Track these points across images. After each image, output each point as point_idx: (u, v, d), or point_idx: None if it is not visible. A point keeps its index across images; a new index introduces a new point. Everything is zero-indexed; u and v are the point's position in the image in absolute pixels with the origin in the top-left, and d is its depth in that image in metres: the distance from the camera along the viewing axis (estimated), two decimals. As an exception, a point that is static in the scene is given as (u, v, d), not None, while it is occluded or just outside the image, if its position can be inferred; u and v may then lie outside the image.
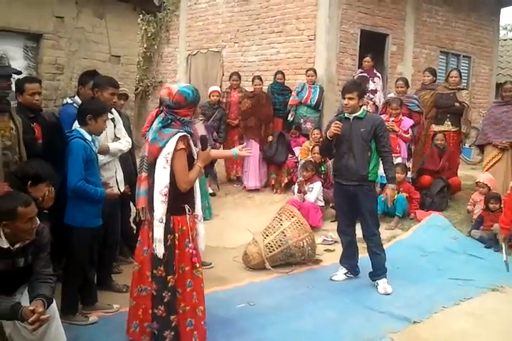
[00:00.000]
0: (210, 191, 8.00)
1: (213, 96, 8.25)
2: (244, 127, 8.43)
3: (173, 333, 3.42)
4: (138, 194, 3.53)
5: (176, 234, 3.40)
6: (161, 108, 3.55)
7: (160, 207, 3.33)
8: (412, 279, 5.14)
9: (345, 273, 5.15)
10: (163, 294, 3.41)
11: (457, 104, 7.84)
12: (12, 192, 3.24)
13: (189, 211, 3.46)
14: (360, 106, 4.89)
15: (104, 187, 4.15)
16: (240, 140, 8.57)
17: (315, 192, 6.81)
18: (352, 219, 5.12)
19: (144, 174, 3.49)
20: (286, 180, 8.08)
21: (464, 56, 11.66)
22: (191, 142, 3.48)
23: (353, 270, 5.16)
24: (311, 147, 7.63)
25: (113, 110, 4.75)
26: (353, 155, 4.80)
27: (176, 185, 3.35)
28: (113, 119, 4.71)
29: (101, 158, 4.35)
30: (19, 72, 4.16)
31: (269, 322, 4.12)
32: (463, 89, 8.16)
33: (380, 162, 4.95)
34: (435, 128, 7.97)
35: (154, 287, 3.42)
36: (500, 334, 4.03)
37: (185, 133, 3.38)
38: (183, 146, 3.34)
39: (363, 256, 5.21)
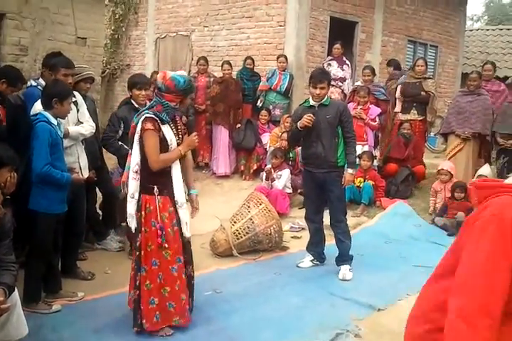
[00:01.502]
0: None
1: None
2: (213, 113, 8.35)
3: (134, 307, 3.62)
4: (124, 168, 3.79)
5: (143, 213, 3.53)
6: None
7: (131, 184, 3.55)
8: (377, 266, 5.22)
9: (311, 260, 5.20)
10: (135, 266, 3.64)
11: (423, 93, 7.92)
12: None
13: (157, 192, 3.53)
14: None
15: (71, 172, 4.07)
16: (208, 125, 8.51)
17: (283, 179, 6.83)
18: (320, 207, 5.15)
19: (130, 151, 3.69)
20: (255, 167, 8.07)
21: (431, 45, 11.76)
22: (166, 127, 3.55)
23: (319, 257, 5.21)
24: (280, 134, 7.62)
25: (76, 93, 4.64)
26: (322, 143, 4.83)
27: (147, 165, 3.50)
28: (76, 103, 4.60)
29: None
30: None
31: (236, 309, 4.14)
32: (429, 78, 8.24)
33: None
34: (401, 117, 8.04)
35: (133, 266, 3.68)
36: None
37: (153, 116, 3.49)
38: (151, 127, 3.46)
39: (331, 243, 5.27)
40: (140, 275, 3.56)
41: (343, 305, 4.32)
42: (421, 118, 7.95)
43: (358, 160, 7.08)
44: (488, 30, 14.83)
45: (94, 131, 4.73)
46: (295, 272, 5.05)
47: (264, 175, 6.98)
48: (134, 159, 3.54)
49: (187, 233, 3.68)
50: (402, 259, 5.50)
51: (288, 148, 7.27)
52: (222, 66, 8.57)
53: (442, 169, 6.84)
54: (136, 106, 4.89)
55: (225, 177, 8.31)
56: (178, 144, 3.63)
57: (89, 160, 4.66)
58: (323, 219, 5.22)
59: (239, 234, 5.37)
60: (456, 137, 7.22)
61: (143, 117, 3.50)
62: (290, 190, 6.97)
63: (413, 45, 11.39)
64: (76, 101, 4.62)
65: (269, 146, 7.87)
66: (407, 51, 11.18)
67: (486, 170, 6.69)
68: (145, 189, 3.56)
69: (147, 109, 3.60)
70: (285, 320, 4.01)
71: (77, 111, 4.63)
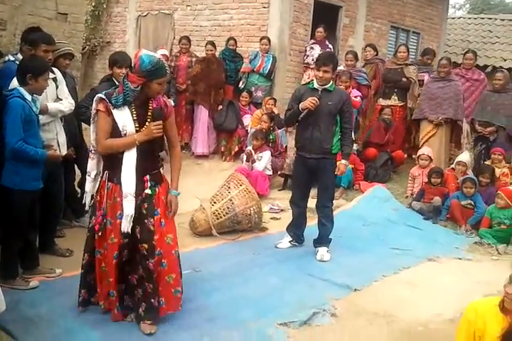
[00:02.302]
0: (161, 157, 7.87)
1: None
2: (194, 93, 8.28)
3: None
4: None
5: (97, 197, 3.44)
6: None
7: (89, 162, 3.49)
8: (354, 248, 5.30)
9: (290, 241, 5.23)
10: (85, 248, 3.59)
11: (404, 79, 7.98)
12: None
13: (106, 178, 3.39)
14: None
15: (47, 149, 4.00)
16: (188, 105, 8.44)
17: (264, 161, 6.84)
18: (307, 192, 5.18)
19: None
20: (236, 149, 8.04)
21: (413, 32, 11.79)
22: (119, 111, 3.30)
23: (298, 238, 5.25)
24: (261, 115, 7.61)
25: (55, 70, 4.57)
26: (319, 128, 4.80)
27: None
28: (55, 79, 4.52)
29: (39, 117, 4.19)
30: None
31: (215, 289, 4.15)
32: (410, 64, 8.29)
33: None
34: (382, 102, 8.10)
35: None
36: (435, 302, 4.22)
37: (103, 97, 3.29)
38: (101, 109, 3.30)
39: (311, 224, 5.32)
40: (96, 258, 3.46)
41: (321, 286, 4.38)
42: (401, 104, 8.04)
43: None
44: (469, 18, 14.91)
45: (73, 108, 4.66)
46: (274, 252, 5.09)
47: (244, 156, 6.98)
48: (91, 137, 3.44)
49: (125, 227, 3.30)
50: (379, 242, 5.58)
51: (269, 130, 7.27)
52: (205, 46, 8.51)
53: (423, 154, 6.91)
54: (117, 83, 4.82)
55: (206, 157, 8.28)
56: (137, 131, 3.34)
57: (68, 137, 4.60)
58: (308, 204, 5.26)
59: (218, 214, 5.38)
60: (428, 123, 7.29)
61: (97, 97, 3.34)
62: (270, 172, 6.99)
63: (396, 31, 11.41)
64: (55, 77, 4.54)
65: (250, 128, 7.86)
66: (389, 37, 11.20)
67: (464, 156, 6.79)
68: (101, 173, 3.47)
69: (115, 88, 3.39)
70: (264, 299, 4.04)
71: (57, 87, 4.55)
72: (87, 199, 3.52)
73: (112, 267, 3.38)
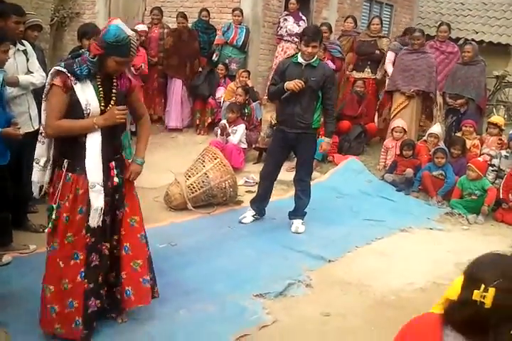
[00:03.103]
0: (133, 129, 7.77)
1: (141, 36, 7.85)
2: (167, 65, 8.15)
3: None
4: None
5: (51, 188, 2.98)
6: None
7: (37, 147, 2.95)
8: (328, 220, 5.36)
9: (253, 216, 5.25)
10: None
11: (377, 52, 7.97)
12: None
13: (64, 167, 2.91)
14: None
15: (12, 126, 3.78)
16: (160, 78, 8.30)
17: (238, 134, 6.81)
18: (279, 166, 5.18)
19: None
20: (209, 120, 7.98)
21: (386, 4, 11.75)
22: (83, 86, 2.85)
23: (260, 212, 5.27)
24: (235, 88, 7.54)
25: (25, 42, 4.44)
26: (300, 103, 4.77)
27: None
28: (25, 51, 4.41)
29: (10, 90, 4.09)
30: None
31: (190, 262, 4.18)
32: (384, 37, 8.29)
33: None
34: (355, 75, 8.09)
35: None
36: (407, 271, 4.32)
37: (63, 70, 2.79)
38: (58, 83, 2.79)
39: (283, 197, 5.35)
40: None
41: (295, 257, 4.44)
42: (374, 76, 8.03)
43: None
44: (442, -10, 14.88)
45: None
46: (249, 225, 5.12)
47: (218, 130, 6.94)
48: (41, 118, 2.95)
49: (93, 221, 2.89)
50: (352, 213, 5.66)
51: (244, 103, 7.22)
52: (176, 18, 8.33)
53: (397, 126, 6.95)
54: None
55: (180, 131, 8.21)
56: (103, 112, 2.91)
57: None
58: (277, 177, 5.27)
59: (193, 187, 5.37)
60: (401, 95, 7.28)
61: (53, 69, 2.83)
62: (245, 145, 6.97)
63: (369, 3, 11.35)
64: (25, 49, 4.42)
65: (224, 101, 7.79)
66: (363, 9, 11.14)
67: (436, 128, 6.87)
68: (56, 161, 2.97)
69: (71, 57, 2.96)
70: (240, 271, 4.09)
71: (27, 60, 4.44)
72: (35, 191, 3.01)
73: (73, 269, 2.92)
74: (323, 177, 6.64)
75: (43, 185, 3.00)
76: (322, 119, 5.02)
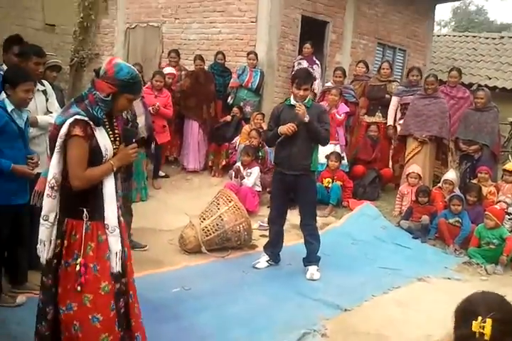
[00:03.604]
0: (162, 174, 7.84)
1: (169, 79, 7.98)
2: (185, 107, 8.23)
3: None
4: (40, 174, 2.96)
5: (65, 241, 2.77)
6: None
7: (46, 202, 2.72)
8: (343, 267, 5.28)
9: (267, 261, 5.19)
10: (48, 309, 2.84)
11: (388, 96, 8.03)
12: None
13: (87, 216, 2.76)
14: None
15: (29, 162, 3.84)
16: (177, 119, 8.38)
17: (253, 177, 6.81)
18: (284, 209, 5.15)
19: (48, 152, 2.88)
20: (224, 163, 8.01)
21: (399, 49, 11.92)
22: (101, 131, 2.77)
23: (275, 258, 5.21)
24: (250, 131, 7.59)
25: (45, 82, 4.51)
26: (297, 145, 4.79)
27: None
28: (44, 92, 4.47)
29: (29, 130, 4.12)
30: None
31: (204, 307, 4.11)
32: (394, 81, 8.38)
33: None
34: (367, 119, 8.14)
35: (42, 297, 2.89)
36: (425, 321, 4.21)
37: (85, 119, 2.68)
38: (80, 133, 2.65)
39: (298, 242, 5.29)
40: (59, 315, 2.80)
41: (311, 305, 4.35)
42: (386, 120, 8.06)
43: (326, 160, 7.17)
44: (455, 36, 15.15)
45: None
46: (263, 271, 5.05)
47: (232, 173, 6.95)
48: (52, 170, 2.70)
49: (116, 266, 2.79)
50: (368, 260, 5.57)
51: (258, 146, 7.26)
52: (194, 61, 8.49)
53: (413, 172, 6.92)
54: None
55: (195, 172, 8.23)
56: (115, 154, 2.83)
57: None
58: (287, 221, 5.26)
59: (208, 230, 5.33)
60: (414, 140, 7.30)
61: (72, 119, 2.67)
62: (259, 188, 6.96)
63: (382, 48, 11.52)
64: (45, 90, 4.49)
65: (239, 143, 7.84)
66: (376, 54, 11.29)
67: (451, 175, 6.83)
68: (71, 212, 2.76)
69: (76, 101, 2.77)
70: (253, 318, 4.01)
71: (46, 100, 4.49)
72: (44, 252, 2.79)
73: (110, 322, 2.79)
74: (338, 223, 6.59)
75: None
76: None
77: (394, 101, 7.86)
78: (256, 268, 5.10)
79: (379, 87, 8.09)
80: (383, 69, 8.19)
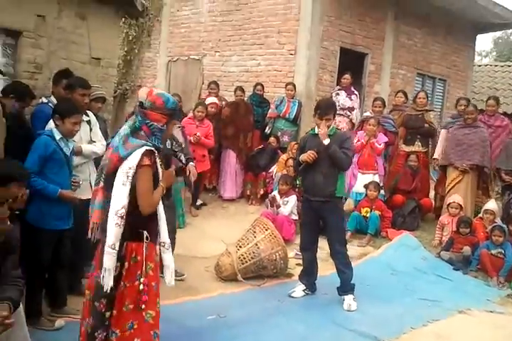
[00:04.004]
0: (200, 202, 7.93)
1: (212, 108, 8.16)
2: (223, 136, 8.36)
3: None
4: (92, 207, 3.06)
5: (126, 264, 2.91)
6: (134, 109, 3.13)
7: (114, 231, 2.82)
8: (382, 297, 5.16)
9: (303, 290, 5.12)
10: (97, 333, 2.91)
11: (426, 125, 7.97)
12: None
13: (147, 238, 2.94)
14: None
15: (72, 186, 4.03)
16: (217, 148, 8.49)
17: (290, 205, 6.79)
18: (315, 236, 5.10)
19: (100, 185, 3.02)
20: (261, 192, 8.06)
21: (439, 79, 11.88)
22: (157, 159, 2.99)
23: (311, 287, 5.14)
24: (287, 160, 7.63)
25: (90, 113, 4.68)
26: (321, 172, 4.81)
27: (135, 207, 2.88)
28: (89, 122, 4.64)
29: (74, 159, 4.28)
30: (0, 72, 4.07)
31: (239, 335, 4.09)
32: (430, 110, 8.34)
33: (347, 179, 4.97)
34: (405, 148, 8.06)
35: (91, 322, 2.94)
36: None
37: (153, 149, 2.91)
38: (149, 163, 2.87)
39: (334, 271, 5.21)
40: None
41: (347, 336, 4.26)
42: (425, 150, 8.00)
43: (364, 189, 7.12)
44: (496, 66, 14.98)
45: (105, 150, 4.74)
46: (299, 300, 4.99)
47: (268, 202, 6.96)
48: (120, 201, 2.81)
49: (171, 280, 3.05)
50: (407, 291, 5.43)
51: (295, 175, 7.26)
52: (235, 92, 8.68)
53: (453, 202, 6.78)
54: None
55: (232, 200, 8.28)
56: None
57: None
58: (318, 249, 5.18)
59: (244, 258, 5.32)
60: (454, 169, 7.20)
61: (143, 150, 2.85)
62: (296, 217, 6.92)
63: (422, 78, 11.50)
64: (89, 120, 4.66)
65: (276, 172, 7.87)
66: (415, 84, 11.28)
67: (492, 205, 6.67)
68: (132, 235, 2.90)
69: (132, 133, 2.95)
70: (289, 348, 3.95)
71: (90, 130, 4.66)
72: (109, 279, 2.83)
73: None
74: (377, 253, 6.47)
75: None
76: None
77: (442, 134, 7.82)
78: (292, 297, 5.04)
79: (416, 117, 8.04)
80: (419, 98, 8.16)
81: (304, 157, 4.81)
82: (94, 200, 3.08)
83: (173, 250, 3.71)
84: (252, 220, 5.89)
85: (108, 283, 2.82)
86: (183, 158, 5.26)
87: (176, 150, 5.12)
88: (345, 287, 4.94)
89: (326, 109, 4.87)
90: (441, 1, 10.45)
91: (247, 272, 5.33)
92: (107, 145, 3.16)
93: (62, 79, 4.68)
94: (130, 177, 2.82)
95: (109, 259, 2.82)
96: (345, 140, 4.92)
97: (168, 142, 4.82)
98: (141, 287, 2.87)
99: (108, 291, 2.84)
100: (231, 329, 4.17)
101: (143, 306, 2.86)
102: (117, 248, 2.83)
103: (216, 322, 4.28)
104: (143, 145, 2.87)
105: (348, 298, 4.88)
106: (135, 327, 2.87)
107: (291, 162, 7.37)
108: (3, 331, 2.69)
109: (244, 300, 4.86)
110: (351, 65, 9.70)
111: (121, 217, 2.81)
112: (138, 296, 2.88)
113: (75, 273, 4.49)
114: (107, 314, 2.90)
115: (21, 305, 3.02)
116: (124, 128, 3.00)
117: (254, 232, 5.54)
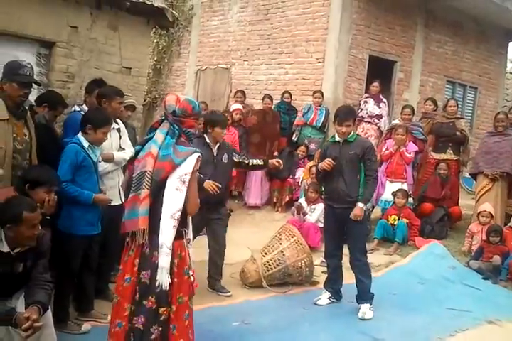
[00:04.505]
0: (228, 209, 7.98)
1: (236, 114, 8.23)
2: (249, 143, 8.42)
3: None
4: (135, 214, 3.04)
5: (175, 261, 3.06)
6: (163, 117, 3.18)
7: (171, 233, 2.98)
8: (409, 307, 5.11)
9: (328, 298, 5.10)
10: (152, 329, 2.99)
11: (458, 133, 7.88)
12: (18, 197, 3.22)
13: (187, 235, 3.18)
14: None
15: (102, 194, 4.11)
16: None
17: (317, 213, 6.78)
18: (339, 243, 5.09)
19: (144, 192, 3.02)
20: (287, 199, 8.06)
21: (470, 86, 11.74)
22: None
23: (336, 294, 5.12)
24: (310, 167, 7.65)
25: (119, 121, 4.77)
26: (343, 178, 4.81)
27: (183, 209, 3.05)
28: (119, 130, 4.73)
29: (105, 165, 4.40)
30: (38, 83, 4.18)
31: (263, 342, 4.08)
32: (461, 118, 8.26)
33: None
34: (436, 156, 7.96)
35: (142, 320, 3.00)
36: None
37: (200, 154, 3.10)
38: (197, 168, 3.09)
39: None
40: (170, 336, 3.04)
41: (373, 345, 4.23)
42: (456, 158, 7.90)
43: (392, 197, 7.06)
44: (528, 73, 14.73)
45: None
46: (324, 308, 4.98)
47: (295, 210, 6.96)
48: (176, 205, 2.98)
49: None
50: (434, 301, 5.35)
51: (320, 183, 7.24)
52: (263, 100, 8.75)
53: (485, 211, 6.64)
54: (208, 142, 5.01)
55: (257, 207, 8.32)
56: None
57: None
58: (344, 256, 5.15)
59: (269, 265, 5.34)
60: (484, 177, 7.07)
61: (196, 156, 3.04)
62: (322, 224, 6.90)
63: (452, 86, 11.39)
64: (119, 128, 4.74)
65: (302, 180, 7.88)
66: (445, 91, 11.18)
67: (524, 214, 6.55)
68: (176, 234, 3.06)
69: (176, 141, 3.09)
70: (313, 356, 3.94)
71: (120, 137, 4.75)
72: (166, 279, 2.98)
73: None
74: (404, 261, 6.40)
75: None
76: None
77: None
78: (317, 304, 5.03)
79: (447, 125, 7.95)
80: (450, 106, 8.07)
81: (321, 165, 4.85)
82: (138, 207, 3.04)
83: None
84: (278, 227, 5.91)
85: (164, 280, 2.96)
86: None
87: None
88: (363, 296, 4.89)
89: (344, 114, 4.87)
90: (472, 9, 10.36)
91: (272, 279, 5.33)
92: (137, 153, 3.23)
93: (96, 89, 4.78)
94: (187, 182, 2.99)
95: (166, 260, 2.98)
96: (369, 150, 4.87)
97: None
98: (192, 278, 3.13)
99: (167, 288, 2.98)
100: (256, 336, 4.18)
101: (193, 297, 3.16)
102: (170, 247, 3.00)
103: (241, 329, 4.29)
104: (194, 152, 3.05)
105: (364, 307, 4.83)
106: (189, 316, 3.13)
107: (314, 170, 7.36)
108: (32, 334, 2.76)
109: (269, 307, 4.87)
110: (380, 72, 9.67)
111: (177, 220, 2.99)
112: (190, 288, 3.13)
113: (102, 277, 4.57)
114: (161, 310, 3.01)
115: (50, 309, 3.09)
116: (161, 137, 3.09)
117: (280, 239, 5.55)
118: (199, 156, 3.06)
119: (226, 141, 7.49)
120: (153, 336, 2.98)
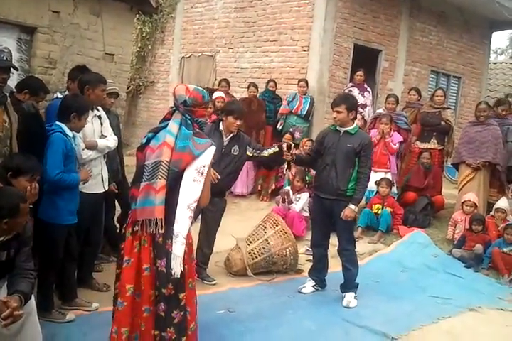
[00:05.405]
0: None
1: (218, 102, 8.18)
2: (234, 133, 8.38)
3: None
4: (150, 203, 3.02)
5: (186, 249, 3.11)
6: (174, 108, 3.21)
7: (187, 223, 3.02)
8: (392, 294, 5.16)
9: (313, 286, 5.12)
10: (173, 314, 3.10)
11: (443, 123, 7.92)
12: (6, 188, 3.15)
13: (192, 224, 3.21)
14: (353, 121, 4.87)
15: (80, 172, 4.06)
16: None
17: (301, 202, 6.78)
18: (326, 233, 5.09)
19: (161, 182, 3.01)
20: (273, 187, 8.08)
21: (454, 76, 11.80)
22: None
23: (321, 283, 5.14)
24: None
25: (99, 108, 4.69)
26: (335, 169, 4.77)
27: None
28: (99, 117, 4.64)
29: (88, 153, 4.30)
30: (16, 68, 4.09)
31: (248, 330, 4.10)
32: (448, 108, 8.28)
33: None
34: (420, 145, 8.02)
35: (163, 307, 3.08)
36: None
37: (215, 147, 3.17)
38: (213, 160, 3.17)
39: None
40: (185, 319, 3.15)
41: (357, 332, 4.26)
42: (440, 147, 7.96)
43: (375, 186, 7.08)
44: (511, 63, 14.84)
45: (117, 144, 4.77)
46: (309, 296, 5.00)
47: (280, 199, 6.94)
48: (193, 195, 3.01)
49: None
50: (417, 289, 5.42)
51: (305, 171, 7.23)
52: (248, 88, 8.69)
53: (469, 200, 6.69)
54: (225, 134, 4.99)
55: (243, 196, 8.31)
56: None
57: (111, 173, 4.70)
58: (330, 245, 5.16)
59: (254, 254, 5.34)
60: (466, 167, 7.13)
61: (213, 149, 3.10)
62: (307, 213, 6.90)
63: (436, 76, 11.44)
64: (100, 115, 4.67)
65: (286, 168, 7.87)
66: (429, 81, 11.23)
67: (502, 203, 6.62)
68: None
69: (193, 133, 3.14)
70: (298, 344, 3.95)
71: (101, 125, 4.67)
72: (179, 267, 3.01)
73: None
74: (387, 250, 6.45)
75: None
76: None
77: None
78: (301, 292, 5.05)
79: (433, 114, 7.99)
80: (437, 96, 8.10)
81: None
82: (155, 197, 3.03)
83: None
84: (263, 216, 5.91)
85: (178, 268, 2.99)
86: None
87: None
88: (349, 284, 4.92)
89: (336, 100, 4.83)
90: (457, -2, 10.39)
91: (257, 267, 5.35)
92: (148, 141, 3.21)
93: (79, 75, 4.70)
94: (204, 174, 3.03)
95: (181, 248, 3.00)
96: (367, 147, 4.82)
97: None
98: (194, 265, 3.32)
99: (178, 276, 3.01)
100: (240, 324, 4.18)
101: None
102: (185, 236, 3.03)
103: (226, 317, 4.30)
104: (211, 145, 3.11)
105: (349, 295, 4.85)
106: (196, 300, 3.29)
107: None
108: (12, 322, 2.71)
109: (254, 295, 4.88)
110: (365, 61, 9.66)
111: (193, 210, 3.02)
112: (195, 273, 3.37)
113: (85, 266, 4.54)
114: (181, 295, 3.11)
115: (33, 298, 3.06)
116: (175, 127, 3.11)
117: (265, 228, 5.56)
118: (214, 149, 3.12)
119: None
120: (175, 320, 3.10)
